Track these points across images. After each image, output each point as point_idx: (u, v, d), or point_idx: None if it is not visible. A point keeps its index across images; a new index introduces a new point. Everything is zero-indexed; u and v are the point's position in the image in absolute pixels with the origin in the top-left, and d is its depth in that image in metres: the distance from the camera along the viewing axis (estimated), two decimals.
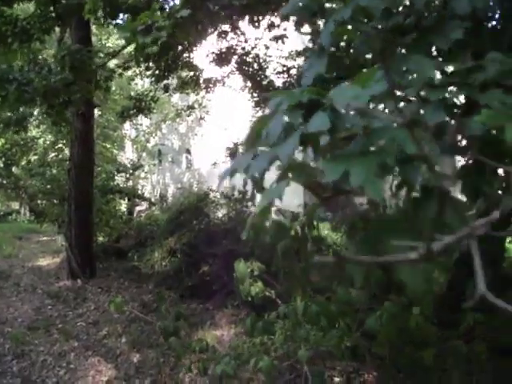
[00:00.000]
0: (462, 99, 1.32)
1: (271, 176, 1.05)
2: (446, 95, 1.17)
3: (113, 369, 5.90)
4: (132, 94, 10.67)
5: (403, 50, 1.60)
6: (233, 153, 8.33)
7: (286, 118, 1.01)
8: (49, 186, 11.16)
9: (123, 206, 13.02)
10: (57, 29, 8.29)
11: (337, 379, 5.06)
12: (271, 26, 7.79)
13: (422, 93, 1.21)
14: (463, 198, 1.25)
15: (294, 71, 8.49)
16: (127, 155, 15.80)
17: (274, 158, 0.98)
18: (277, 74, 8.78)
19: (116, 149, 15.75)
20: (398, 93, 1.22)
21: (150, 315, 6.85)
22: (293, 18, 2.21)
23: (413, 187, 1.04)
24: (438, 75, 1.34)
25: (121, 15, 7.81)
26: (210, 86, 9.69)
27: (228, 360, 2.49)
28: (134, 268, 9.30)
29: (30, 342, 6.51)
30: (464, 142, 1.21)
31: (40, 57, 8.14)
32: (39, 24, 7.03)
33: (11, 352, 6.21)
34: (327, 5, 1.76)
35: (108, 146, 14.97)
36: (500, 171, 1.26)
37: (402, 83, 1.21)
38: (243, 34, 8.82)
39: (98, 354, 6.28)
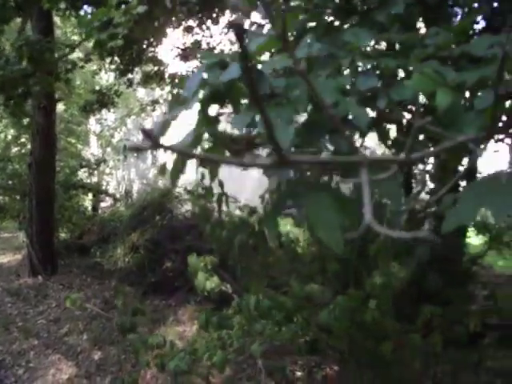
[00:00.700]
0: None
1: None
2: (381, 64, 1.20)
3: (73, 366, 5.81)
4: (96, 87, 10.51)
5: None
6: None
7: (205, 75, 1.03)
8: (10, 182, 10.90)
9: (87, 201, 12.81)
10: (19, 19, 8.11)
11: (298, 373, 5.10)
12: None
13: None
14: None
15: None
16: (92, 150, 15.54)
17: (183, 108, 1.00)
18: None
19: (80, 144, 15.47)
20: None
21: (112, 312, 6.77)
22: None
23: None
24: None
25: (85, 7, 7.71)
26: (176, 80, 9.61)
27: (183, 355, 2.47)
28: (97, 264, 9.16)
29: None
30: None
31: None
32: None
33: None
34: None
35: (73, 141, 14.70)
36: None
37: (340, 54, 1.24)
38: (208, 29, 8.79)
39: (59, 351, 6.19)
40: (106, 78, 12.36)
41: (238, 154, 1.13)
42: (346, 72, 1.40)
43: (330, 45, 1.42)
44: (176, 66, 9.45)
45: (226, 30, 8.50)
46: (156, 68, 9.39)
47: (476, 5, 2.32)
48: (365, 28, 1.47)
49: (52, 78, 6.61)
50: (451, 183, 1.12)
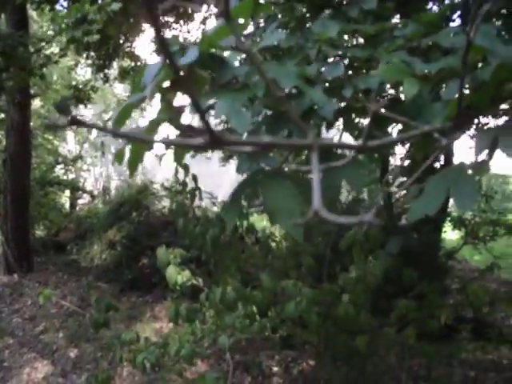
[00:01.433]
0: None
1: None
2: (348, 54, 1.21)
3: (49, 365, 5.75)
4: (73, 83, 10.38)
5: None
6: None
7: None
8: None
9: (64, 198, 12.67)
10: None
11: (275, 368, 5.12)
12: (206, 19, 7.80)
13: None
14: None
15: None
16: (69, 147, 15.37)
17: (141, 96, 0.99)
18: None
19: (57, 140, 15.28)
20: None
21: (88, 309, 6.70)
22: None
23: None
24: None
25: (61, 1, 7.62)
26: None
27: (153, 349, 2.46)
28: (73, 262, 9.08)
29: None
30: None
31: None
32: None
33: None
34: None
35: (50, 137, 14.51)
36: None
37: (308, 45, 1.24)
38: (186, 23, 8.76)
39: (34, 350, 6.11)
40: (83, 73, 12.23)
41: (200, 148, 1.12)
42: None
43: (301, 36, 1.42)
44: (153, 61, 9.38)
45: (202, 26, 8.48)
46: (133, 63, 9.31)
47: None
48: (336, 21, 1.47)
49: (26, 73, 6.50)
50: (416, 175, 1.12)
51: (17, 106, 8.60)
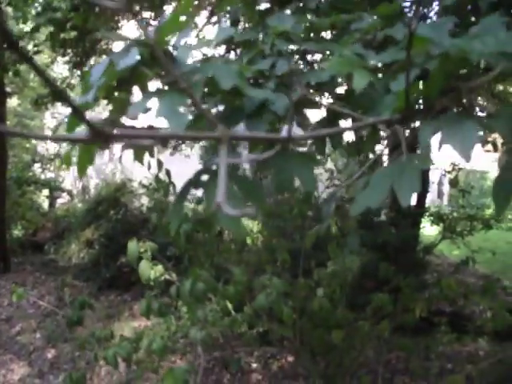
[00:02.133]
0: None
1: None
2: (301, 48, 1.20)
3: (26, 366, 5.66)
4: None
5: None
6: None
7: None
8: None
9: (42, 198, 12.52)
10: None
11: (254, 365, 5.12)
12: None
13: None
14: None
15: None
16: (48, 146, 15.21)
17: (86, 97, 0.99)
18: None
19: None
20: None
21: (66, 309, 6.62)
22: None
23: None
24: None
25: None
26: None
27: (125, 344, 2.44)
28: (51, 261, 8.98)
29: None
30: None
31: None
32: None
33: None
34: None
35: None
36: None
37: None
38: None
39: (11, 351, 6.01)
40: (60, 70, 12.10)
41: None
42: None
43: (261, 30, 1.42)
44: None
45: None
46: None
47: None
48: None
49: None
50: (363, 169, 1.12)
51: None
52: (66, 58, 8.88)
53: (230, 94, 1.04)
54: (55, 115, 14.63)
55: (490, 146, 4.86)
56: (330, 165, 7.39)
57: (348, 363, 3.84)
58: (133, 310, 6.74)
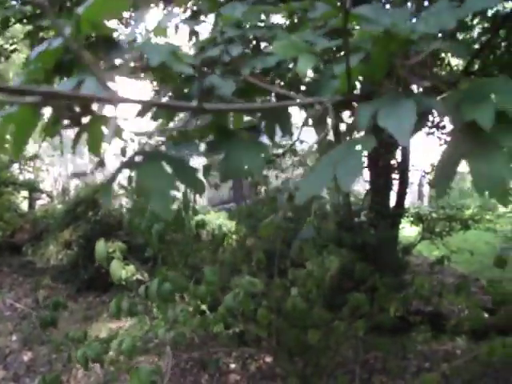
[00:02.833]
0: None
1: None
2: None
3: (1, 369, 5.58)
4: None
5: None
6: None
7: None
8: None
9: (20, 199, 12.34)
10: None
11: (232, 365, 5.10)
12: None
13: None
14: None
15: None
16: (27, 147, 15.03)
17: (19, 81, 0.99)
18: None
19: None
20: None
21: (43, 311, 6.55)
22: None
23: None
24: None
25: None
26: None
27: (95, 345, 2.41)
28: (29, 263, 8.86)
29: None
30: None
31: None
32: None
33: None
34: None
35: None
36: None
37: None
38: (144, 21, 8.64)
39: None
40: None
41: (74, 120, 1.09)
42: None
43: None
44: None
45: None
46: None
47: None
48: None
49: None
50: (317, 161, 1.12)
51: None
52: None
53: (181, 82, 1.04)
54: None
55: None
56: None
57: (325, 363, 3.84)
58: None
